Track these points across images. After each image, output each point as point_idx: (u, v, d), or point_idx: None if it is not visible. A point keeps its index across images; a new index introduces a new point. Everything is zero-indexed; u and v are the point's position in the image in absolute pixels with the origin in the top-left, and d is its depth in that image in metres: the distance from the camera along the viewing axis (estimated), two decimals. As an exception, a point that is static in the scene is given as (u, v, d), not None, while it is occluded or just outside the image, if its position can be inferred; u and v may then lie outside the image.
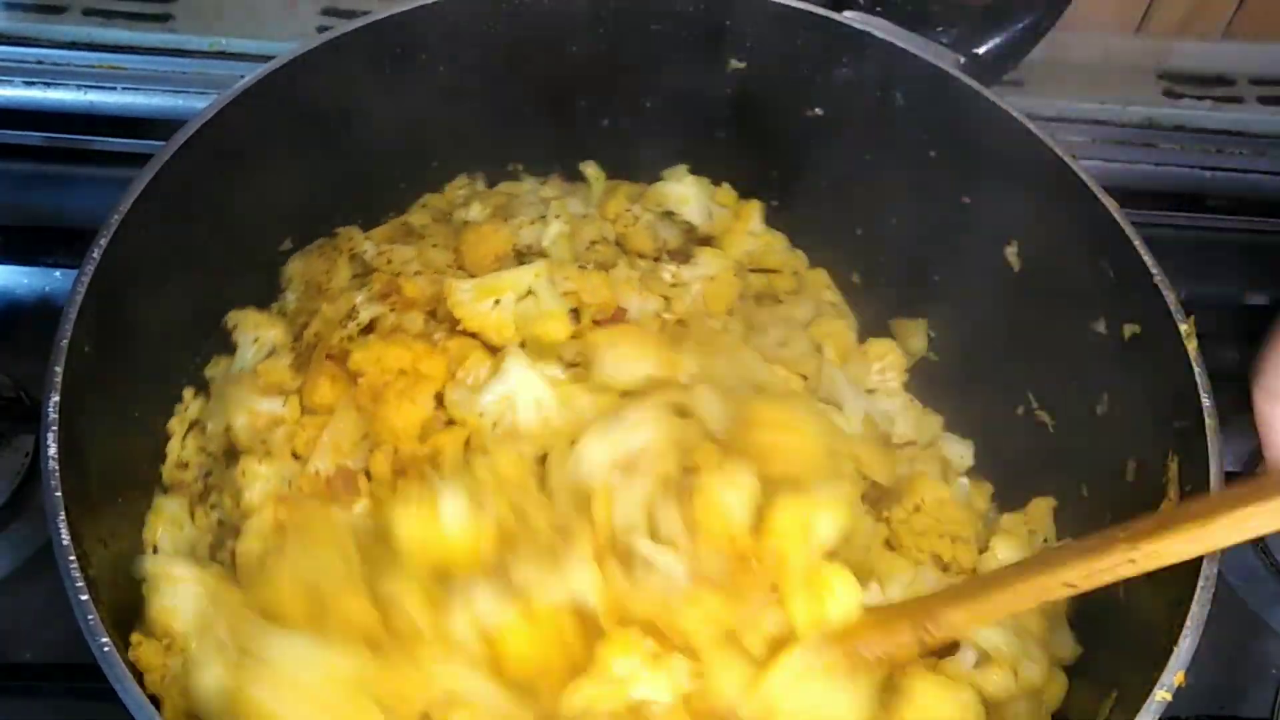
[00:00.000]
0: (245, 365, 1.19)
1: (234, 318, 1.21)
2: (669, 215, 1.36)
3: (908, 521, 1.17)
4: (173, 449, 1.16)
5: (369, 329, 1.19)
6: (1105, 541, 0.89)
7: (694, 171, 1.37)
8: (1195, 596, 0.90)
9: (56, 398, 0.93)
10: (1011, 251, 1.22)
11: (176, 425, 1.17)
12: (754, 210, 1.38)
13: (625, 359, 1.15)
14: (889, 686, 1.00)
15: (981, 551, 1.17)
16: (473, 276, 1.23)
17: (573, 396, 1.12)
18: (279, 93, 1.14)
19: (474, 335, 1.18)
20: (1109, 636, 1.05)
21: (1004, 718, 1.05)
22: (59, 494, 0.89)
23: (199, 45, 1.59)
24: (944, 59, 1.19)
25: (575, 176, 1.41)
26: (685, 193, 1.36)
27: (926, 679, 1.01)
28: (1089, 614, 1.09)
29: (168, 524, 1.07)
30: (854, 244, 1.37)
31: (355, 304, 1.20)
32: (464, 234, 1.28)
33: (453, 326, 1.18)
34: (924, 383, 1.34)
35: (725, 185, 1.38)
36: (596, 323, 1.22)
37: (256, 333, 1.20)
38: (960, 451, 1.29)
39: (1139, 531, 0.87)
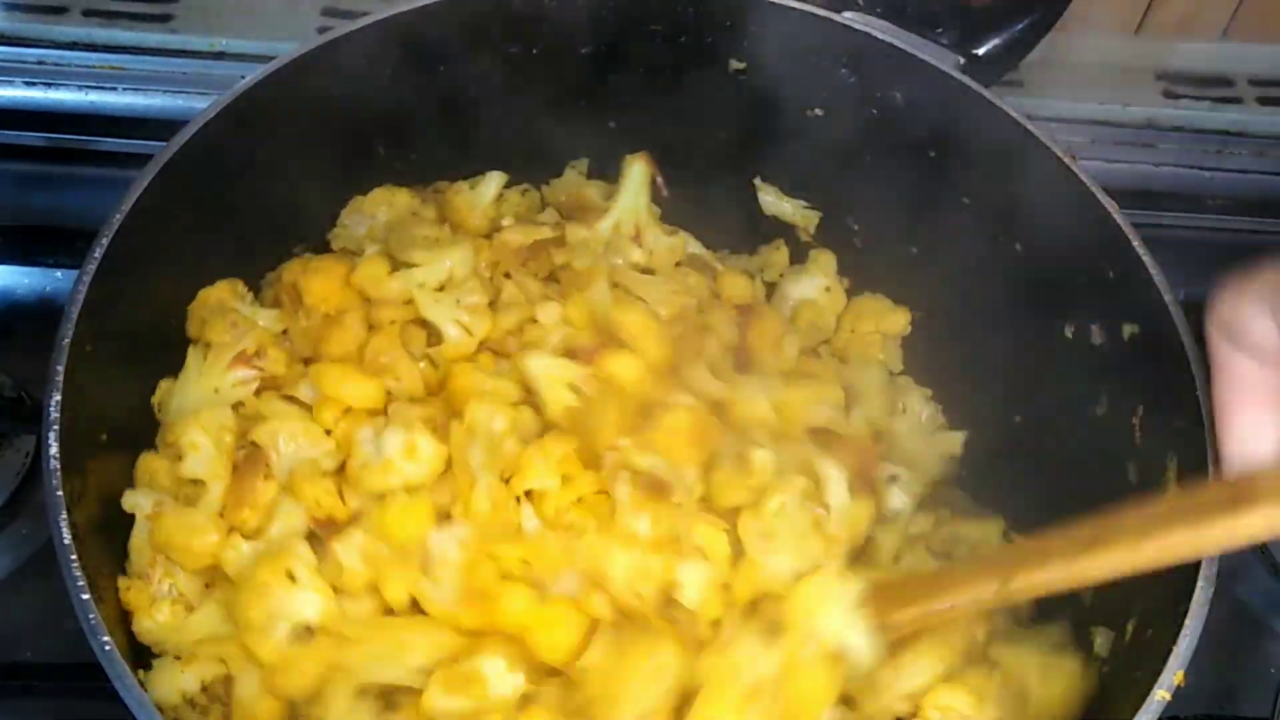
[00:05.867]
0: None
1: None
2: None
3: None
4: None
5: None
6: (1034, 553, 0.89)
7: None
8: (1195, 596, 0.90)
9: (58, 397, 0.93)
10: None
11: None
12: None
13: None
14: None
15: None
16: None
17: None
18: (279, 93, 1.14)
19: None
20: (1108, 636, 1.05)
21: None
22: (60, 493, 0.89)
23: (199, 46, 1.59)
24: (944, 59, 1.19)
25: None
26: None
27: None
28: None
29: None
30: (852, 244, 1.37)
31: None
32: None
33: None
34: (921, 381, 1.33)
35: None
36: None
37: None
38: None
39: (1081, 539, 0.86)
